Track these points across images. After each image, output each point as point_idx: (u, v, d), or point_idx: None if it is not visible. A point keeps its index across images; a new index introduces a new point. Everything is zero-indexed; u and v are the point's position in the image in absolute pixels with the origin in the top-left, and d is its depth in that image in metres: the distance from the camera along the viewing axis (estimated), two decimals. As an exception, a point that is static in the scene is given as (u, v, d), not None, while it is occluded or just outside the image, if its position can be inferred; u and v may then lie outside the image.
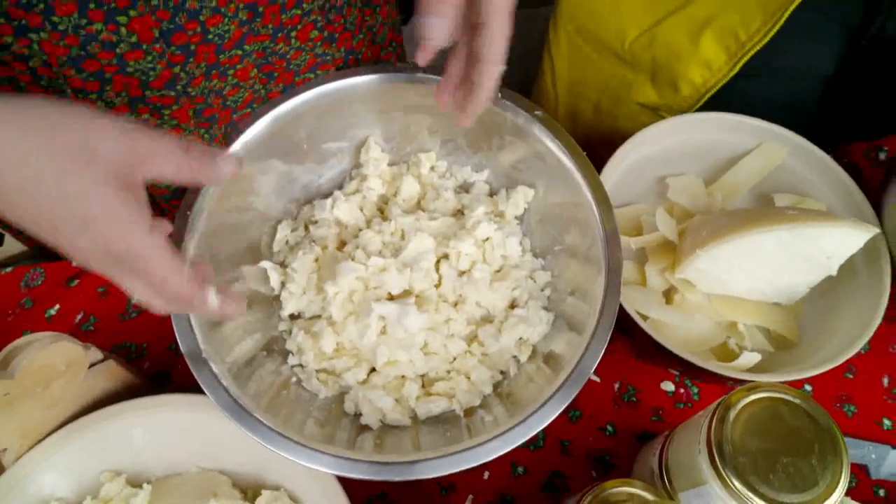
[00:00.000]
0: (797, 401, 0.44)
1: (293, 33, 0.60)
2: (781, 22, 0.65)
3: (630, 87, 0.81)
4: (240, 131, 0.54)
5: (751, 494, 0.41)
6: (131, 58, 0.51)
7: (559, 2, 0.83)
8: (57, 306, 0.66)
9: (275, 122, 0.56)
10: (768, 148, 0.68)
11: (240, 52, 0.57)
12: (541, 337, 0.57)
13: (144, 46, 0.51)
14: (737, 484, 0.42)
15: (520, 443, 0.46)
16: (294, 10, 0.58)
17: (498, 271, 0.60)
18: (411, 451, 0.51)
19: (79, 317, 0.66)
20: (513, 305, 0.59)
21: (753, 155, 0.69)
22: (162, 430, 0.53)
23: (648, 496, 0.46)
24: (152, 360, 0.64)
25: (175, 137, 0.37)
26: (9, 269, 0.68)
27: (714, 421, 0.44)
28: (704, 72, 0.73)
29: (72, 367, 0.50)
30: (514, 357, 0.57)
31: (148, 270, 0.36)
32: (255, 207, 0.60)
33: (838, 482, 0.42)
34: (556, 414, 0.47)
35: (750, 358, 0.59)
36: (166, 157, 0.36)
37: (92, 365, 0.53)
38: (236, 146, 0.54)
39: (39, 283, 0.67)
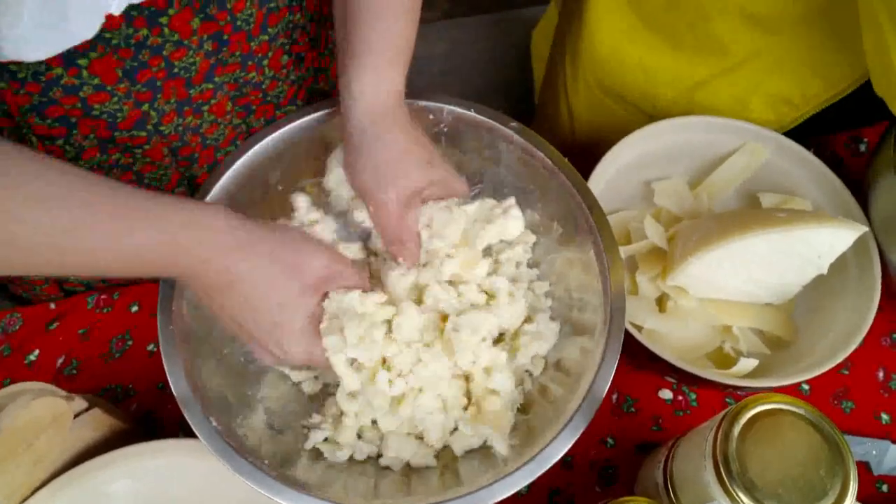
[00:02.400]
0: (800, 411, 0.44)
1: (265, 62, 0.58)
2: (849, 90, 0.65)
3: None
4: (206, 190, 0.53)
5: (760, 510, 0.41)
6: (95, 101, 0.49)
7: (578, 54, 0.80)
8: (37, 351, 0.64)
9: (240, 171, 0.54)
10: (751, 147, 0.68)
11: (211, 86, 0.55)
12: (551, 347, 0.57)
13: (109, 88, 0.49)
14: (745, 500, 0.41)
15: (533, 479, 0.46)
16: (261, 37, 0.56)
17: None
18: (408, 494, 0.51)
19: (60, 360, 0.64)
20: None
21: (737, 155, 0.69)
22: (153, 477, 0.51)
23: (658, 513, 0.46)
24: (140, 401, 0.62)
25: (356, 262, 0.53)
26: (-16, 316, 0.66)
27: (719, 436, 0.44)
28: None
29: (56, 421, 0.48)
30: (528, 371, 0.56)
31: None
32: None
33: (847, 492, 0.42)
34: (571, 444, 0.47)
35: (747, 364, 0.59)
36: (350, 279, 0.49)
37: (77, 415, 0.51)
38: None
39: (17, 328, 0.65)
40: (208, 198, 0.52)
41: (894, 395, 0.65)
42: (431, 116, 0.56)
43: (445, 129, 0.57)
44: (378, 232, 0.54)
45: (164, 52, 0.50)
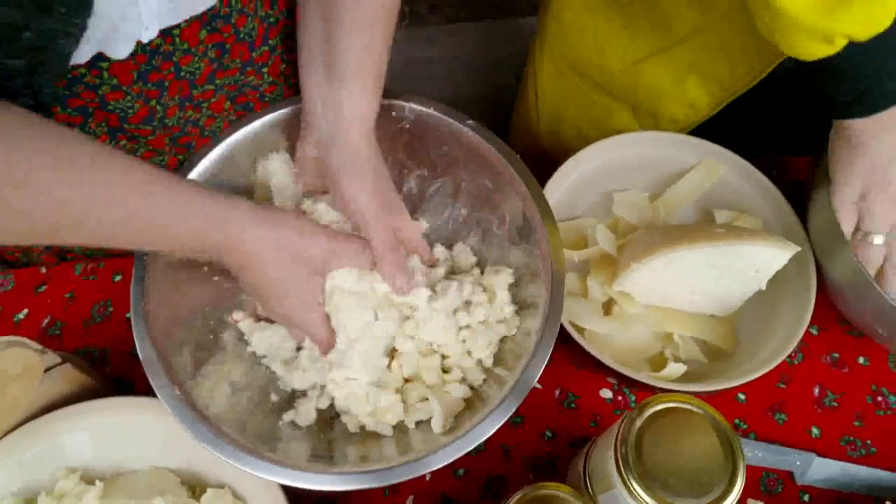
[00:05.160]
0: (699, 410, 0.47)
1: (264, 69, 0.63)
2: (768, 71, 0.67)
3: (610, 115, 0.83)
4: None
5: (648, 498, 0.44)
6: (111, 98, 0.55)
7: (544, 29, 0.84)
8: (25, 310, 0.69)
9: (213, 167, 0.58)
10: (707, 164, 0.71)
11: (212, 87, 0.60)
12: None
13: (124, 88, 0.55)
14: (636, 487, 0.45)
15: (460, 455, 0.49)
16: (262, 47, 0.61)
17: None
18: (359, 461, 0.54)
19: (46, 321, 0.69)
20: None
21: (694, 171, 0.72)
22: (114, 431, 0.55)
23: (570, 498, 0.49)
24: (114, 365, 0.67)
25: (356, 239, 0.55)
26: (-21, 276, 0.71)
27: (621, 429, 0.47)
28: (688, 111, 0.76)
29: (27, 373, 0.52)
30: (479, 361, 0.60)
31: (309, 335, 0.56)
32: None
33: (733, 488, 0.45)
34: (497, 426, 0.50)
35: (676, 368, 0.62)
36: (351, 258, 0.54)
37: (48, 369, 0.55)
38: None
39: (9, 288, 0.70)
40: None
41: (826, 412, 0.67)
42: (394, 114, 0.60)
43: (408, 127, 0.61)
44: (378, 258, 0.56)
45: (174, 58, 0.55)
